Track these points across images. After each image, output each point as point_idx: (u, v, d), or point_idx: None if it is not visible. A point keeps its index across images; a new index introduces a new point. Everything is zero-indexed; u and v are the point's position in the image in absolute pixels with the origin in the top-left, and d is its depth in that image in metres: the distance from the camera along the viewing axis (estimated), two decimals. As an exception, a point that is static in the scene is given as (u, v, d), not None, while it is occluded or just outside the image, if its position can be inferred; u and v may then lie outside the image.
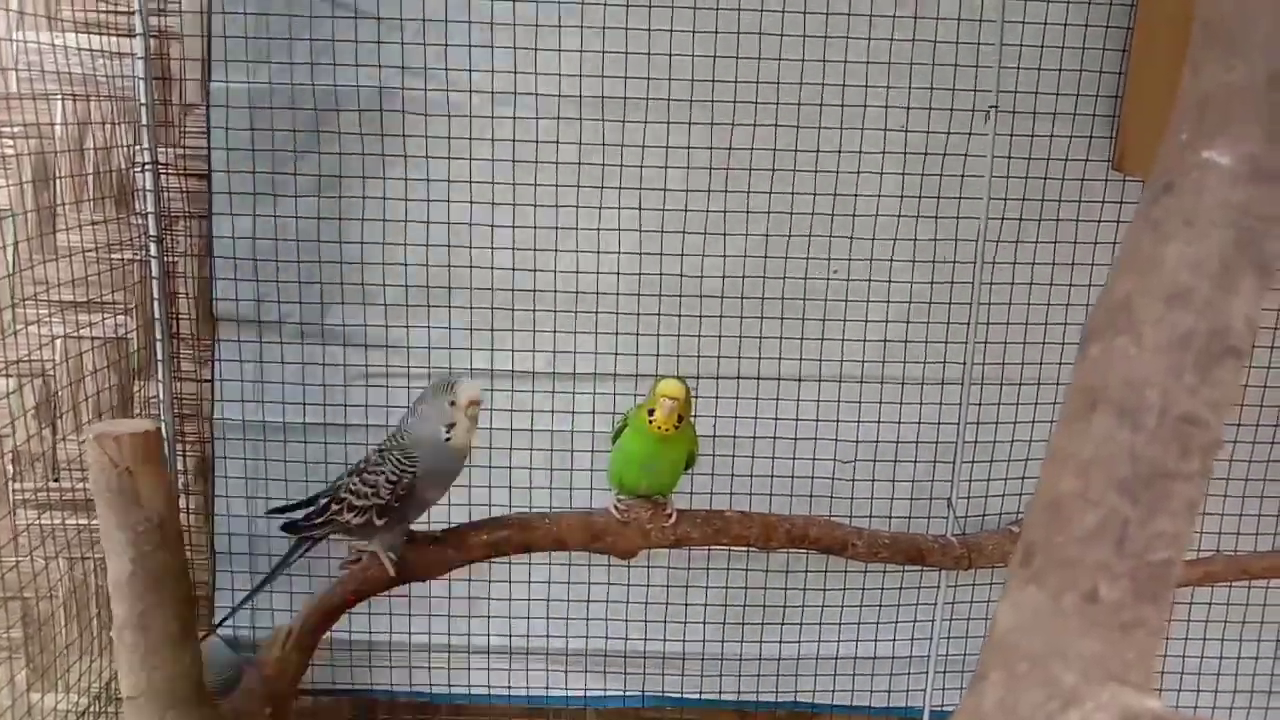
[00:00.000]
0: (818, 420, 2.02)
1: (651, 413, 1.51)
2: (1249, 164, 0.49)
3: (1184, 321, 0.49)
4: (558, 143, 1.89)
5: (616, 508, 1.62)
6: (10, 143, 1.93)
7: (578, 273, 1.95)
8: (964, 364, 1.98)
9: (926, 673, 2.12)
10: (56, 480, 2.11)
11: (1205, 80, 0.51)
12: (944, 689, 2.14)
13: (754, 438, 2.02)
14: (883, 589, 2.09)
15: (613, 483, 1.64)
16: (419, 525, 1.55)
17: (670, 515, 1.63)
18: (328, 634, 1.91)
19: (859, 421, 2.02)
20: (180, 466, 2.07)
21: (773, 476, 2.04)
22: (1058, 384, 1.99)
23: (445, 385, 1.42)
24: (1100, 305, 0.53)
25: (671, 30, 1.86)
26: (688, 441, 1.60)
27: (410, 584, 1.98)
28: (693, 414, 1.60)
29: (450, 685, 2.12)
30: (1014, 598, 0.49)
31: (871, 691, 2.16)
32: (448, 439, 1.41)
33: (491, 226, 1.92)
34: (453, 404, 1.40)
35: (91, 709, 2.03)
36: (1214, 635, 2.11)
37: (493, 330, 1.97)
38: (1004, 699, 0.47)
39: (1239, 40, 0.53)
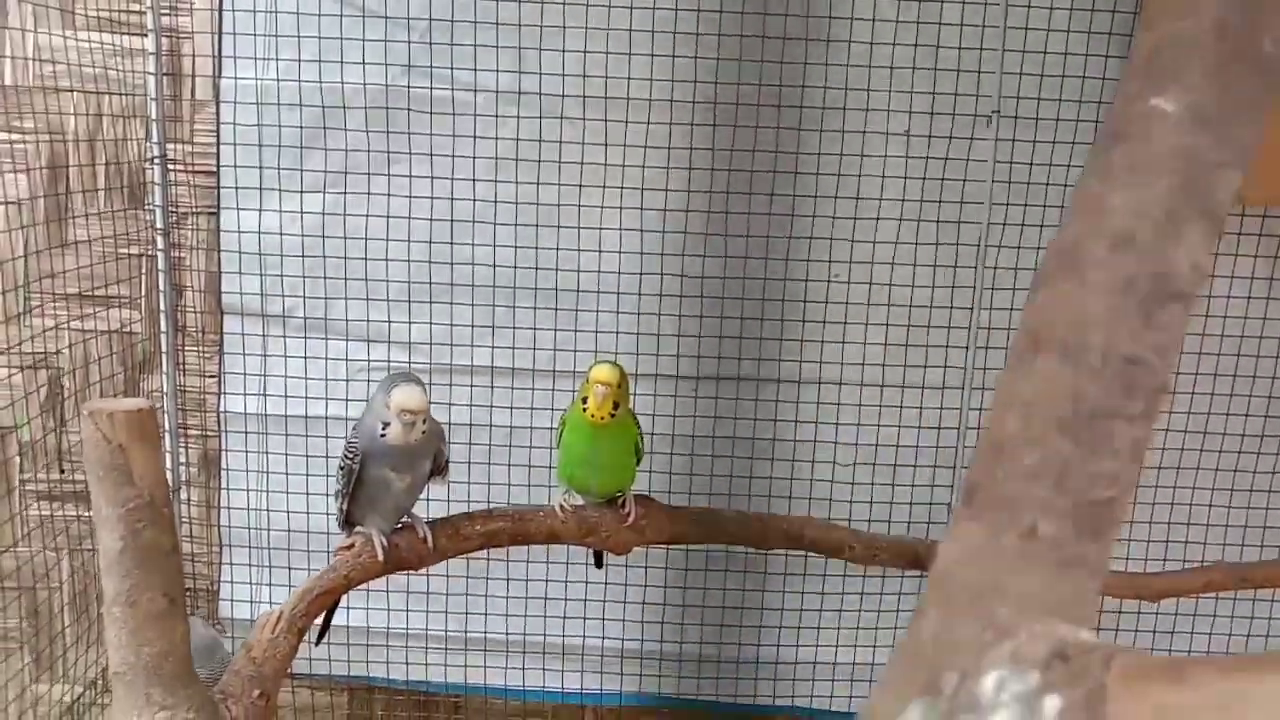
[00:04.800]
0: (817, 422, 2.02)
1: (586, 401, 1.49)
2: (1195, 111, 0.49)
3: (1128, 265, 0.49)
4: (561, 142, 1.91)
5: (562, 507, 1.59)
6: (27, 137, 1.97)
7: (579, 271, 1.96)
8: (964, 368, 1.98)
9: (925, 680, 2.11)
10: (62, 472, 2.13)
11: (1156, 33, 0.52)
12: (942, 697, 2.12)
13: (753, 439, 2.02)
14: (882, 594, 2.08)
15: (561, 480, 1.61)
16: (420, 515, 1.56)
17: (628, 515, 1.61)
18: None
19: (859, 425, 2.02)
20: (184, 459, 2.09)
21: (771, 479, 2.04)
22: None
23: (388, 385, 1.43)
24: (1050, 252, 0.54)
25: (675, 32, 1.88)
26: (630, 431, 1.56)
27: (410, 575, 2.00)
28: (631, 400, 1.57)
29: (448, 678, 2.12)
30: (955, 535, 0.49)
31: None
32: (382, 435, 1.42)
33: (494, 224, 1.94)
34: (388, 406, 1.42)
35: (84, 697, 2.04)
36: (1218, 647, 2.09)
37: (494, 327, 1.98)
38: (940, 632, 0.47)
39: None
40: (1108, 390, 0.48)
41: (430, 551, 1.54)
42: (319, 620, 1.69)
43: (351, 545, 1.51)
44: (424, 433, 1.46)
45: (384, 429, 1.43)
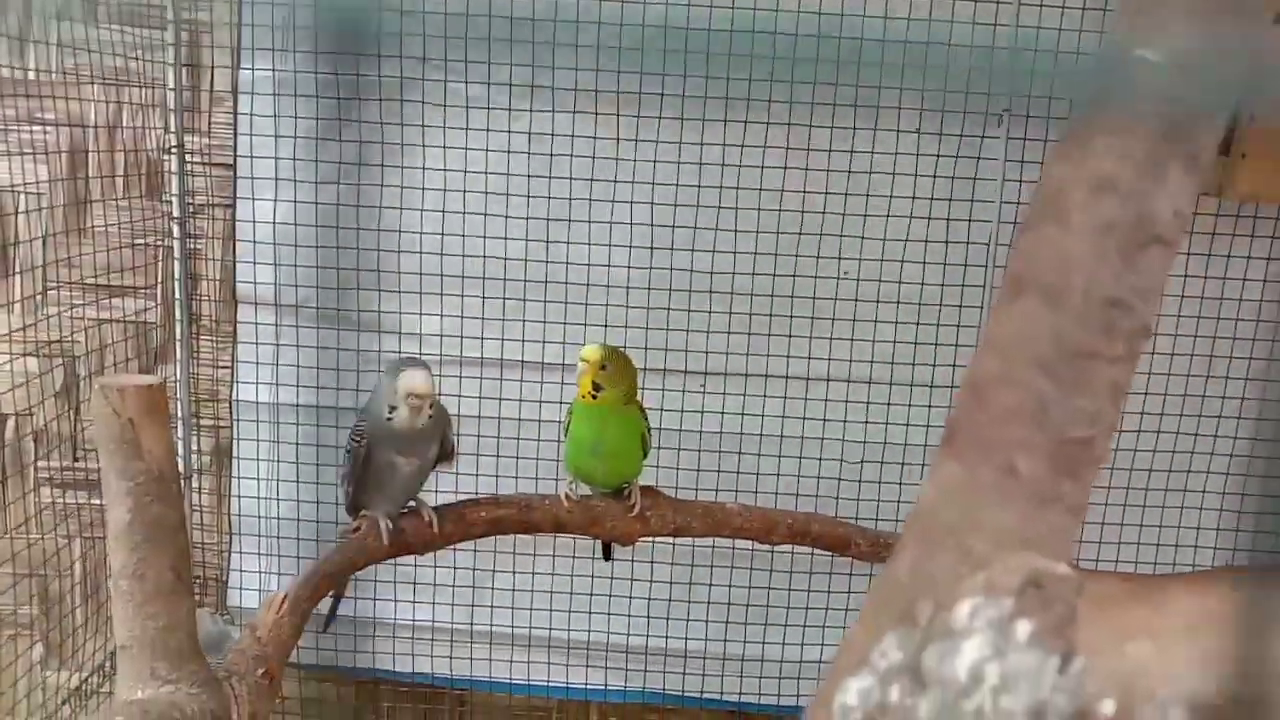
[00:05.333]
0: (825, 420, 2.02)
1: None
2: (1177, 60, 0.50)
3: (1110, 209, 0.49)
4: (573, 136, 1.93)
5: (568, 496, 1.61)
6: (48, 128, 2.00)
7: (589, 265, 1.97)
8: (973, 367, 1.98)
9: (931, 681, 2.10)
10: (77, 460, 2.15)
11: (1144, -12, 0.52)
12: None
13: (760, 435, 2.02)
14: (887, 593, 2.08)
15: (568, 470, 1.64)
16: (427, 496, 1.58)
17: (633, 506, 1.62)
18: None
19: (867, 423, 2.02)
20: (196, 448, 2.11)
21: (778, 475, 2.04)
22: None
23: (396, 368, 1.44)
24: (1035, 198, 0.54)
25: (687, 29, 1.89)
26: (636, 422, 1.59)
27: (417, 566, 2.02)
28: (641, 395, 1.61)
29: (453, 672, 2.13)
30: (935, 475, 0.50)
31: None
32: (389, 419, 1.43)
33: (506, 217, 1.96)
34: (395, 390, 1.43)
35: (89, 682, 2.06)
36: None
37: (504, 320, 1.99)
38: (917, 566, 0.47)
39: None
40: (1088, 331, 0.48)
41: (435, 536, 1.55)
42: (327, 606, 1.71)
43: (357, 529, 1.52)
44: (430, 417, 1.47)
45: (391, 413, 1.44)
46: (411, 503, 1.56)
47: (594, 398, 1.53)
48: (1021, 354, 0.49)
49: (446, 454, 1.56)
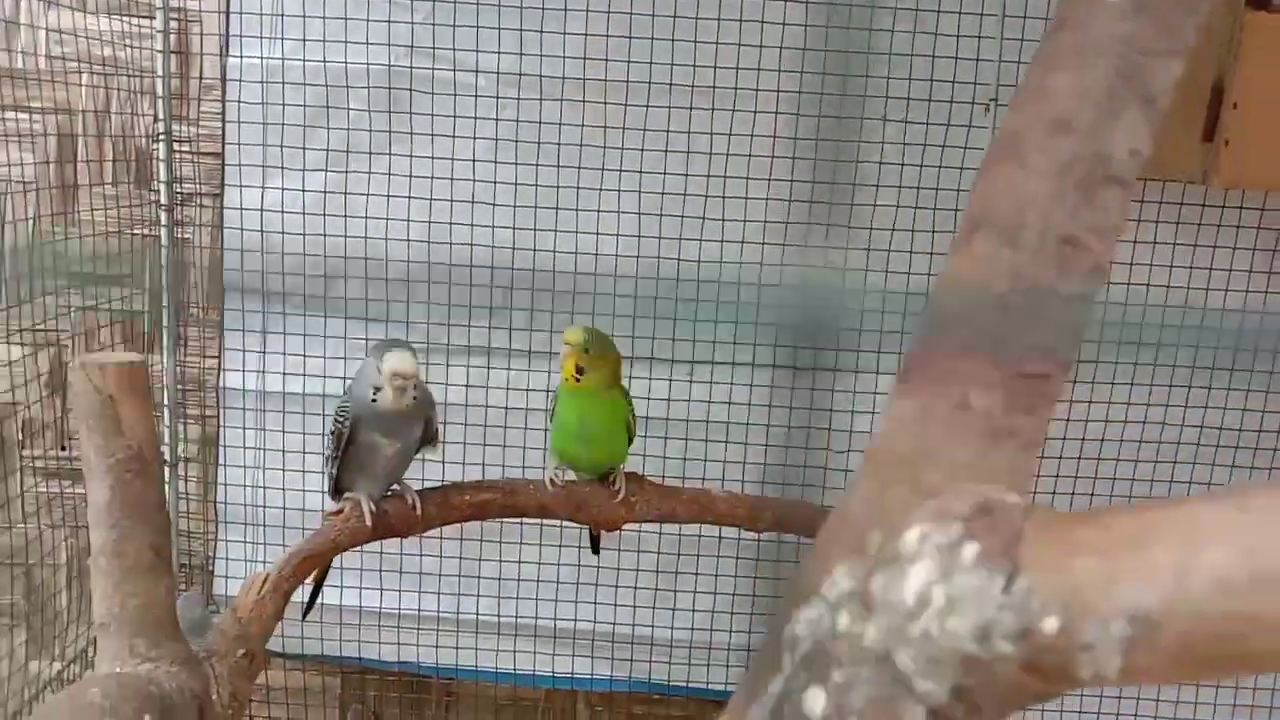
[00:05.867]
0: (811, 409, 2.02)
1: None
2: (1136, 1, 0.50)
3: (1066, 148, 0.49)
4: (560, 124, 1.93)
5: (552, 480, 1.61)
6: (35, 117, 2.00)
7: (577, 254, 1.97)
8: (960, 356, 1.98)
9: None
10: (64, 449, 2.15)
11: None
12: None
13: (747, 424, 2.02)
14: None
15: (552, 454, 1.64)
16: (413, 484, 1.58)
17: (618, 491, 1.62)
18: (320, 602, 1.94)
19: (852, 411, 2.02)
20: (183, 435, 2.10)
21: (765, 464, 2.04)
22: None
23: (380, 349, 1.44)
24: (994, 140, 0.54)
25: (675, 16, 1.90)
26: (619, 406, 1.59)
27: (403, 554, 2.02)
28: (628, 383, 1.62)
29: (439, 661, 2.13)
30: (890, 411, 0.50)
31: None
32: (373, 400, 1.43)
33: (494, 205, 1.96)
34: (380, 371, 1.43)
35: (68, 670, 2.05)
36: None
37: (492, 307, 2.00)
38: (869, 498, 0.47)
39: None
40: (1043, 268, 0.48)
41: (419, 519, 1.54)
42: (308, 591, 1.70)
43: (340, 511, 1.52)
44: (415, 398, 1.47)
45: (375, 394, 1.44)
46: (395, 486, 1.56)
47: (577, 381, 1.53)
48: (976, 291, 0.49)
49: (431, 437, 1.56)
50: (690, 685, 2.14)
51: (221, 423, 2.08)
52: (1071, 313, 0.48)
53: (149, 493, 1.27)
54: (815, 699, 0.44)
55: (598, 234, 1.96)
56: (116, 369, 1.24)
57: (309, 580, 1.66)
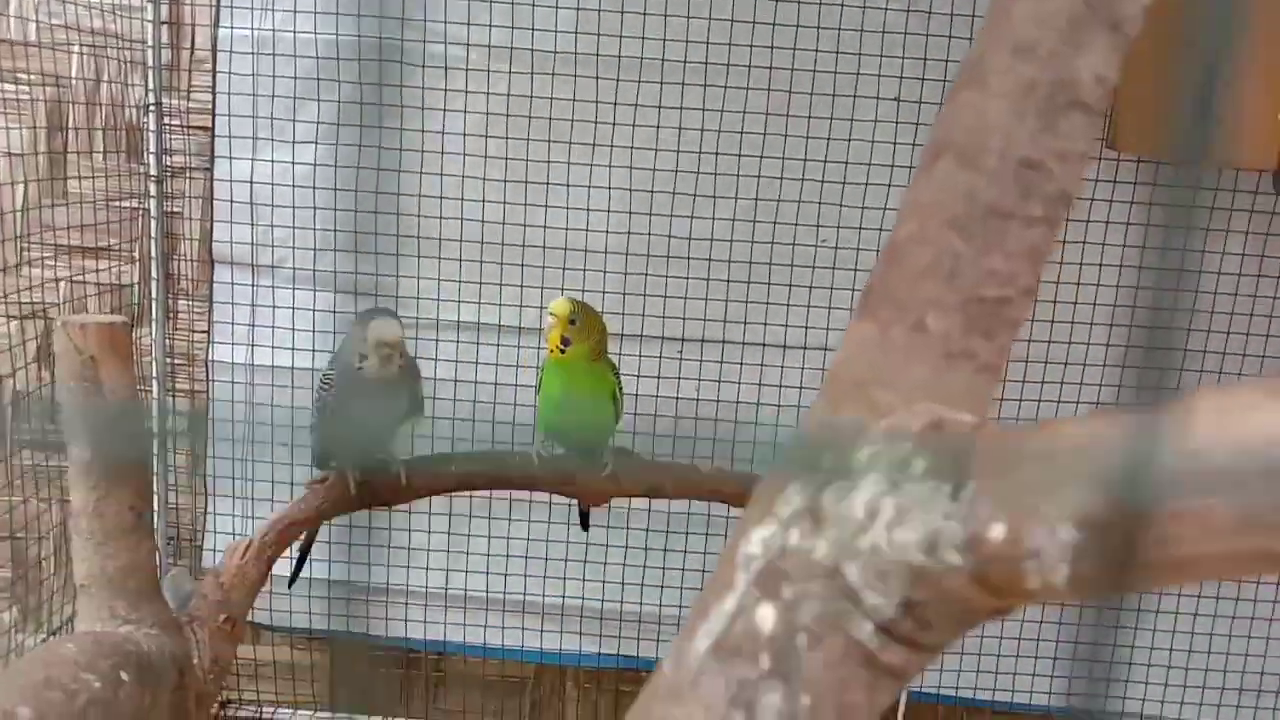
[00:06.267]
0: (801, 388, 2.02)
1: None
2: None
3: (1029, 72, 0.49)
4: (551, 98, 1.92)
5: (539, 454, 1.61)
6: (26, 90, 1.99)
7: (567, 230, 1.97)
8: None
9: (905, 652, 2.10)
10: (54, 422, 2.15)
11: None
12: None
13: (737, 403, 2.02)
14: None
15: (542, 430, 1.64)
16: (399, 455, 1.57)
17: (606, 465, 1.61)
18: (307, 575, 1.94)
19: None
20: (172, 408, 2.10)
21: (754, 443, 2.03)
22: (1046, 359, 1.98)
23: (365, 318, 1.44)
24: (960, 70, 0.54)
25: (668, -9, 1.89)
26: (606, 379, 1.59)
27: (392, 529, 2.01)
28: (618, 360, 1.63)
29: (427, 635, 2.13)
30: (849, 336, 0.49)
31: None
32: (359, 368, 1.43)
33: (484, 179, 1.95)
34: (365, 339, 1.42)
35: (55, 638, 2.05)
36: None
37: (481, 283, 1.99)
38: (824, 421, 0.47)
39: None
40: (1003, 191, 0.48)
41: (404, 488, 1.54)
42: (294, 560, 1.70)
43: (325, 479, 1.51)
44: (400, 367, 1.46)
45: (361, 362, 1.44)
46: (381, 455, 1.56)
47: (561, 352, 1.53)
48: (937, 215, 0.48)
49: (416, 407, 1.55)
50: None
51: (211, 396, 2.07)
52: (1033, 239, 0.48)
53: (129, 454, 1.27)
54: (765, 615, 0.44)
55: (588, 209, 1.96)
56: (98, 328, 1.24)
57: (294, 550, 1.66)
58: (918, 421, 0.43)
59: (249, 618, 2.07)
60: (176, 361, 2.11)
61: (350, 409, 1.47)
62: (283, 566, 1.61)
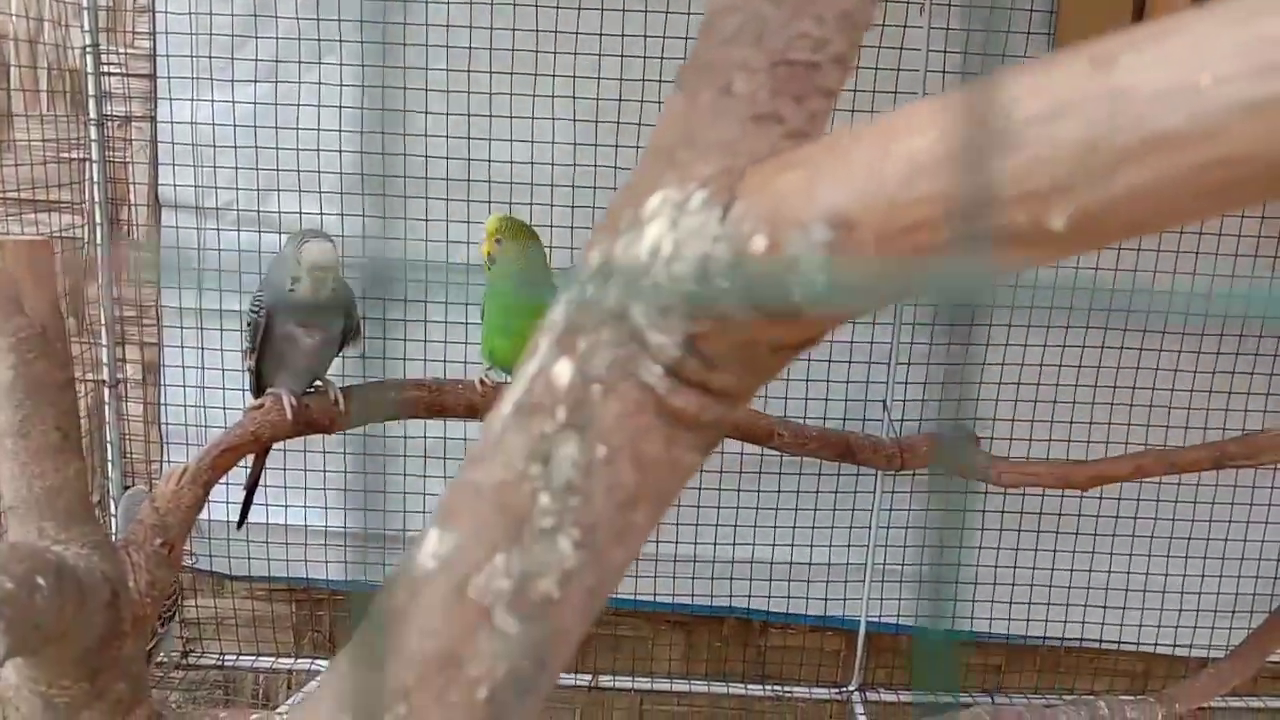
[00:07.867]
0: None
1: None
2: None
3: None
4: (491, 28, 1.91)
5: (482, 381, 1.62)
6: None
7: (512, 163, 1.96)
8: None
9: (864, 581, 2.11)
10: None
11: None
12: (881, 599, 2.12)
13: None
14: (818, 492, 2.08)
15: (483, 356, 1.65)
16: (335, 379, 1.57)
17: None
18: (265, 522, 1.94)
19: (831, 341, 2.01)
20: (122, 356, 2.09)
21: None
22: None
23: (298, 239, 1.43)
24: None
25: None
26: (545, 306, 1.59)
27: (346, 471, 2.01)
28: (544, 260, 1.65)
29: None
30: (663, 110, 0.49)
31: (808, 599, 2.14)
32: (291, 290, 1.42)
33: (426, 113, 1.94)
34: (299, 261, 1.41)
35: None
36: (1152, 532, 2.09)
37: (427, 220, 1.98)
38: (630, 185, 0.46)
39: None
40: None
41: (340, 413, 1.54)
42: (239, 500, 1.70)
43: (262, 405, 1.51)
44: (333, 290, 1.46)
45: (293, 284, 1.43)
46: (318, 382, 1.55)
47: (491, 258, 1.54)
48: (747, -16, 0.48)
49: (353, 330, 1.54)
50: (638, 598, 2.14)
51: (161, 342, 2.06)
52: (846, 6, 0.47)
53: (53, 373, 1.26)
54: (562, 370, 0.43)
55: (533, 142, 1.95)
56: (16, 245, 1.23)
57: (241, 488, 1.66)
58: (708, 168, 0.43)
59: (193, 559, 2.07)
60: (126, 312, 2.09)
61: (282, 333, 1.46)
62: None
